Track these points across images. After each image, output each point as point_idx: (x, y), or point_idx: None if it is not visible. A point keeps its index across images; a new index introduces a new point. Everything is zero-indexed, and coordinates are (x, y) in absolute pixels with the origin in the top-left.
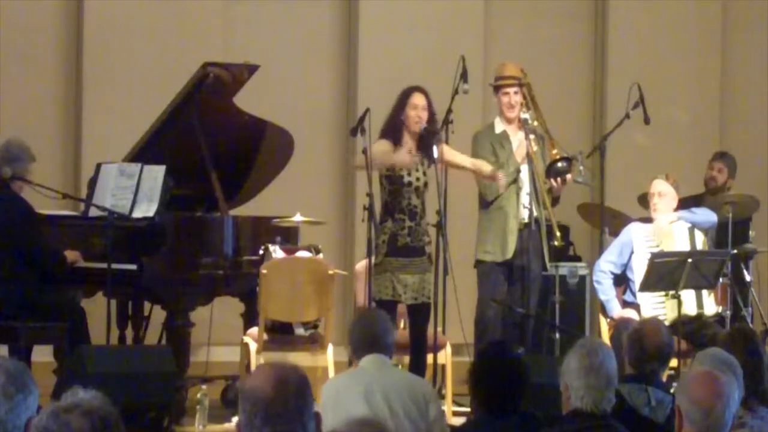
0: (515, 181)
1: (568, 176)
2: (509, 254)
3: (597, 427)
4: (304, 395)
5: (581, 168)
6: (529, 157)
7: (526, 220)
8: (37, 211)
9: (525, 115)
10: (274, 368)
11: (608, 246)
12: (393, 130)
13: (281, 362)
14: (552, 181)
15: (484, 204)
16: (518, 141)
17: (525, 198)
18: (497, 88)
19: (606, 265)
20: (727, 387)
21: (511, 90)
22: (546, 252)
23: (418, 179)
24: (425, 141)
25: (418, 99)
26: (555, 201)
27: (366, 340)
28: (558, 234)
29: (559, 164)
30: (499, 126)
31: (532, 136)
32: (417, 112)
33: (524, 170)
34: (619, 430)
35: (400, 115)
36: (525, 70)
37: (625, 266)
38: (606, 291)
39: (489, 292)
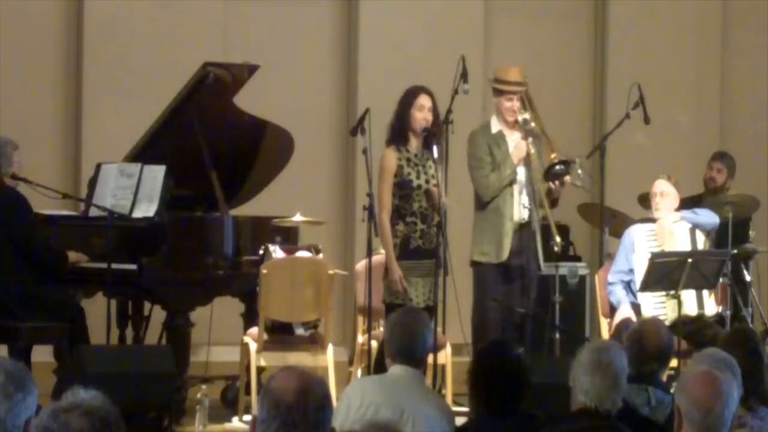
0: (512, 182)
1: (567, 178)
2: (504, 256)
3: (599, 427)
4: (325, 410)
5: (580, 172)
6: (527, 159)
7: (522, 221)
8: (36, 212)
9: (522, 116)
10: (300, 377)
11: (609, 249)
12: (400, 131)
13: (308, 372)
14: (550, 183)
15: (480, 205)
16: (514, 141)
17: (522, 199)
18: (499, 91)
19: (614, 276)
20: (726, 386)
21: (515, 96)
22: (540, 252)
23: (427, 182)
24: (428, 141)
25: (424, 100)
26: (554, 203)
27: (402, 348)
28: (558, 240)
29: (558, 167)
30: (495, 126)
31: (530, 139)
32: (423, 114)
33: (521, 171)
34: (621, 430)
35: (407, 116)
36: (524, 71)
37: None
38: (617, 296)
39: (485, 294)
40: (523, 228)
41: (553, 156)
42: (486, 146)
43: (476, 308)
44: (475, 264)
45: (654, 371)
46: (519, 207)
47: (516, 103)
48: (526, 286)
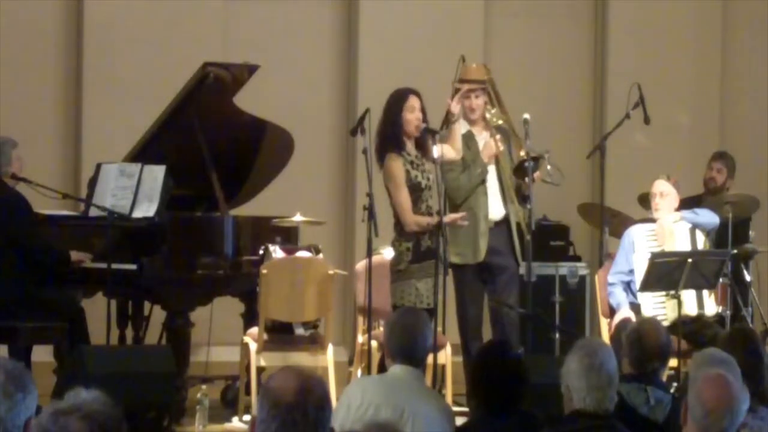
0: (483, 181)
1: (536, 174)
2: (481, 256)
3: (598, 427)
4: (324, 410)
5: (549, 167)
6: (496, 157)
7: (497, 219)
8: (36, 211)
9: (489, 115)
10: (300, 376)
11: (609, 249)
12: (394, 137)
13: (307, 371)
14: (519, 180)
15: (453, 206)
16: (483, 140)
17: (494, 197)
18: (459, 90)
19: (614, 277)
20: (735, 393)
21: (472, 94)
22: (518, 250)
23: (428, 179)
24: (425, 141)
25: (414, 101)
26: (525, 199)
27: (402, 348)
28: (528, 238)
29: (527, 164)
30: (464, 126)
31: (498, 136)
32: (416, 115)
33: (491, 169)
34: (620, 429)
35: (399, 120)
36: (487, 68)
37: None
38: (617, 298)
39: (465, 295)
40: (498, 226)
41: (522, 153)
42: None
43: (459, 310)
44: (452, 266)
45: (656, 369)
46: (492, 205)
47: (476, 101)
48: (506, 284)
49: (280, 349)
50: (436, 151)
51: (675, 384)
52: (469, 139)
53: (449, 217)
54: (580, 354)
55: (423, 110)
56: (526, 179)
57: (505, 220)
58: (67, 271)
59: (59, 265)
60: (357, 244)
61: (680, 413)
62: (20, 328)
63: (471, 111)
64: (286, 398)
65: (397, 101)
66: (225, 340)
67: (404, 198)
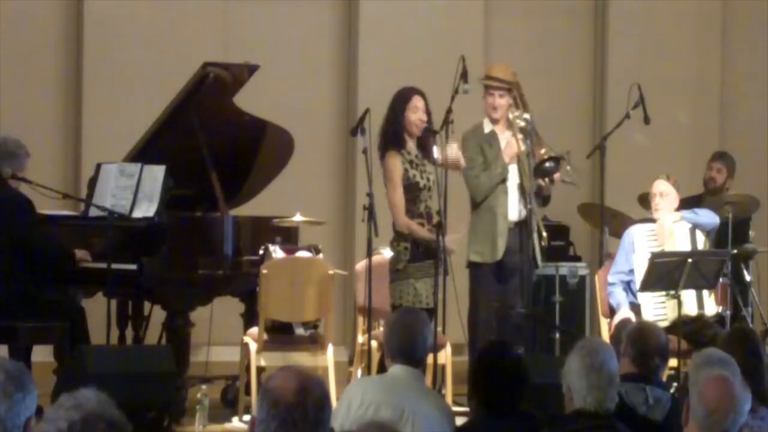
0: (504, 181)
1: (556, 176)
2: (499, 255)
3: (599, 427)
4: (324, 409)
5: (569, 168)
6: (517, 157)
7: (516, 219)
8: (37, 211)
9: (524, 116)
10: (300, 376)
11: (609, 249)
12: (395, 136)
13: (306, 371)
14: (540, 180)
15: (474, 204)
16: (506, 140)
17: (513, 197)
18: (484, 88)
19: (614, 277)
20: (738, 394)
21: (496, 92)
22: (538, 250)
23: (428, 179)
24: (426, 142)
25: (418, 101)
26: (545, 200)
27: (402, 347)
28: (544, 234)
29: (547, 164)
30: (488, 126)
31: (520, 136)
32: (418, 116)
33: (512, 169)
34: (620, 429)
35: (401, 119)
36: (513, 69)
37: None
38: (616, 298)
39: (480, 294)
40: (519, 226)
41: (542, 152)
42: (477, 146)
43: (471, 308)
44: (471, 264)
45: (657, 366)
46: (513, 205)
47: (499, 100)
48: (521, 284)
49: (280, 349)
50: (437, 152)
51: (675, 384)
52: (491, 138)
53: (447, 242)
54: (581, 354)
55: (428, 111)
56: (546, 179)
57: (524, 221)
58: (69, 270)
59: (63, 262)
60: (357, 244)
61: (680, 413)
62: (20, 328)
63: (493, 110)
64: (286, 398)
65: (401, 100)
66: (225, 340)
67: (399, 197)
